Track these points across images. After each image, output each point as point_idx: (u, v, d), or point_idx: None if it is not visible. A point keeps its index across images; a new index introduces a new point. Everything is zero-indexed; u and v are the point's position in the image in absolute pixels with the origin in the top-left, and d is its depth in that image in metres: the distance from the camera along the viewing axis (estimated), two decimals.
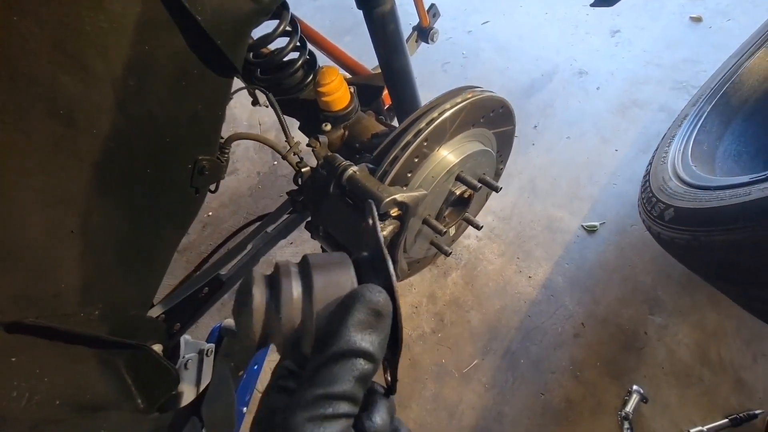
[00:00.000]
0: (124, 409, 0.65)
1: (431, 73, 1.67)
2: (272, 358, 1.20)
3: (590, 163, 1.33)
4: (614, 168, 1.31)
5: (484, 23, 1.80)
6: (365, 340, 0.25)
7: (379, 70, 0.92)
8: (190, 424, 0.63)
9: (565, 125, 1.43)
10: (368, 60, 1.18)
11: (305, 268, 0.28)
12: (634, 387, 0.96)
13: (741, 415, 0.90)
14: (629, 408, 0.94)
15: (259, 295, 0.27)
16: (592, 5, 0.92)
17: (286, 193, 0.83)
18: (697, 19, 1.57)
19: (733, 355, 0.97)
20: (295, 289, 0.27)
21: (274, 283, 0.28)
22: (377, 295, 0.26)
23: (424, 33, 1.16)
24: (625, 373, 0.99)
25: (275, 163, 1.57)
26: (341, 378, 0.23)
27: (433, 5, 1.17)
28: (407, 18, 1.00)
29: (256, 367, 1.16)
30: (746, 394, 0.93)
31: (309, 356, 0.26)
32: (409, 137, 0.60)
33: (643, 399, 0.95)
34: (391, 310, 0.26)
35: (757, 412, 0.90)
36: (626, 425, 0.93)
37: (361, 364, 0.24)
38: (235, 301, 0.28)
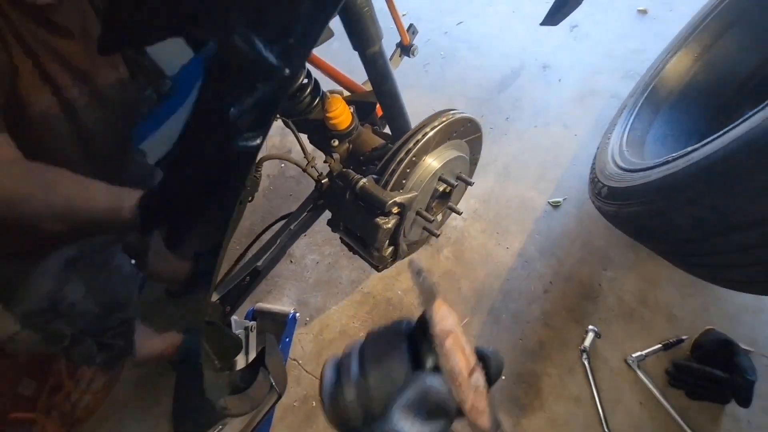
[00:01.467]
0: (209, 368, 0.89)
1: (415, 73, 1.87)
2: (299, 332, 1.45)
3: (554, 148, 1.56)
4: (574, 151, 1.54)
5: (458, 24, 1.99)
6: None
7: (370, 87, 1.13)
8: (261, 373, 0.86)
9: (532, 115, 1.65)
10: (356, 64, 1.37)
11: (363, 364, 0.35)
12: (591, 327, 1.22)
13: (671, 340, 1.17)
14: (587, 343, 1.20)
15: (350, 392, 0.34)
16: (541, 24, 1.13)
17: (313, 199, 1.05)
18: (643, 11, 1.77)
19: (666, 297, 1.24)
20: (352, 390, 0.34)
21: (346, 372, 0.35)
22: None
23: (405, 49, 1.36)
24: (584, 317, 1.25)
25: (282, 165, 1.78)
26: None
27: (411, 25, 1.36)
28: (390, 35, 1.21)
29: (288, 340, 1.40)
30: (676, 325, 1.20)
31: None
32: (401, 155, 0.82)
33: (598, 335, 1.21)
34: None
35: (683, 337, 1.17)
36: (585, 356, 1.19)
37: None
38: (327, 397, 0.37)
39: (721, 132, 0.71)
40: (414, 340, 0.36)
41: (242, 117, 0.41)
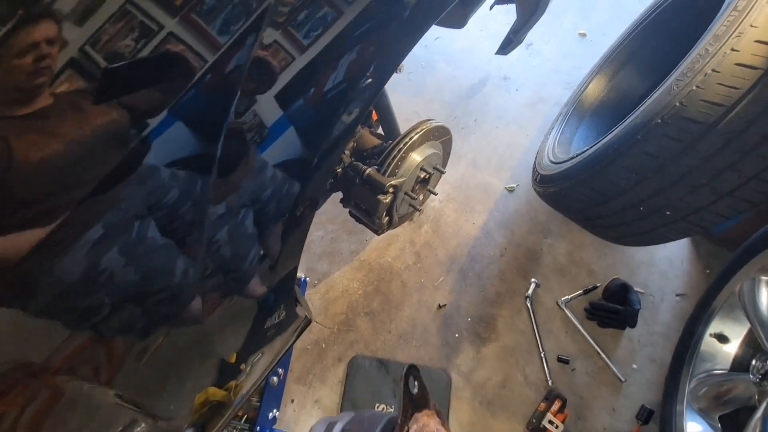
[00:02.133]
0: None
1: (401, 81, 2.22)
2: (309, 292, 1.80)
3: (511, 144, 1.96)
4: (526, 146, 1.94)
5: (436, 39, 2.35)
6: None
7: None
8: (297, 305, 1.23)
9: (495, 118, 2.04)
10: None
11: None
12: (533, 280, 1.64)
13: (589, 287, 1.60)
14: (530, 292, 1.62)
15: None
16: (495, 53, 1.51)
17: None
18: (583, 35, 2.19)
19: (588, 256, 1.67)
20: None
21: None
22: None
23: None
24: (529, 273, 1.67)
25: None
26: None
27: None
28: None
29: None
30: (593, 276, 1.63)
31: None
32: (395, 152, 1.19)
33: (538, 286, 1.63)
34: None
35: (597, 284, 1.60)
36: (528, 301, 1.61)
37: None
38: None
39: (598, 140, 1.12)
40: None
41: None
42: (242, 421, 1.45)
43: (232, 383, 0.99)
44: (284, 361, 1.60)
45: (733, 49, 0.85)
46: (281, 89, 0.70)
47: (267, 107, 0.70)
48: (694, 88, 0.88)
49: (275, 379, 1.56)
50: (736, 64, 0.84)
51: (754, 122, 0.83)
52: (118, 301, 0.66)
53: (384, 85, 0.79)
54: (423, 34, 0.80)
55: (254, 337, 1.08)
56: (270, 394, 1.52)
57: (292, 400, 1.49)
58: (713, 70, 0.86)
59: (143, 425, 0.71)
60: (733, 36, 0.85)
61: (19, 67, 0.43)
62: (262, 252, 0.85)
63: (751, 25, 0.84)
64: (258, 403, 1.48)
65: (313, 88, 0.75)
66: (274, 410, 1.45)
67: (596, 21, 2.27)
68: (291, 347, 1.51)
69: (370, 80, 0.79)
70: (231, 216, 0.77)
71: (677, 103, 0.90)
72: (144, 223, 0.67)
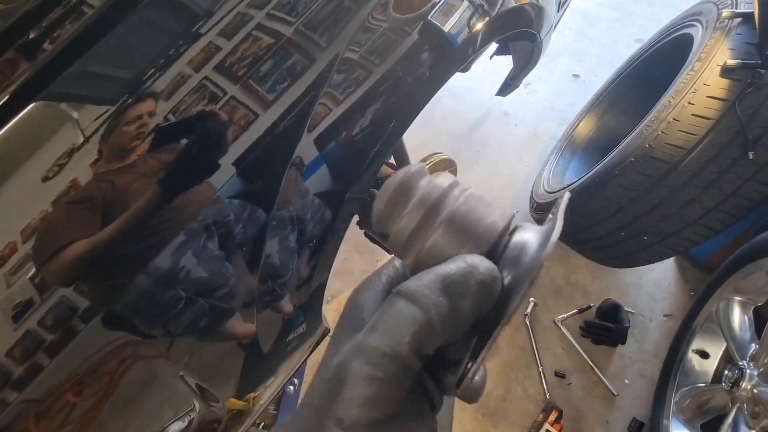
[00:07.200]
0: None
1: None
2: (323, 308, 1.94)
3: (511, 174, 2.14)
4: (525, 176, 2.12)
5: None
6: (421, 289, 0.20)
7: None
8: None
9: (496, 150, 2.23)
10: None
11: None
12: (532, 299, 1.77)
13: (583, 307, 1.72)
14: (528, 311, 1.75)
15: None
16: (496, 95, 1.70)
17: None
18: (577, 76, 2.41)
19: (582, 278, 1.80)
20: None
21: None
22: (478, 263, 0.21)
23: None
24: (528, 293, 1.79)
25: None
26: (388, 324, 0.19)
27: None
28: None
29: None
30: (588, 297, 1.76)
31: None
32: None
33: (536, 305, 1.76)
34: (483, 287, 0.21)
35: (591, 305, 1.73)
36: (527, 319, 1.73)
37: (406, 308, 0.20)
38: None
39: (585, 173, 1.29)
40: None
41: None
42: (260, 428, 1.56)
43: (251, 395, 1.07)
44: (300, 371, 1.73)
45: (689, 102, 1.03)
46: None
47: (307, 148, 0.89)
48: (660, 133, 1.05)
49: (291, 388, 1.68)
50: (693, 115, 1.01)
51: (710, 162, 1.00)
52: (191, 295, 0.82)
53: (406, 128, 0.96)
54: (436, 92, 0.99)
55: (276, 350, 1.20)
56: (286, 402, 1.64)
57: None
58: (675, 119, 1.04)
59: (198, 410, 0.84)
60: (689, 91, 1.03)
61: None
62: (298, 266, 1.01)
63: (704, 84, 1.02)
64: (275, 411, 1.60)
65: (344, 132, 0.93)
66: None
67: (588, 63, 2.49)
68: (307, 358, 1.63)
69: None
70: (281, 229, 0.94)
71: (647, 145, 1.07)
72: (209, 235, 0.83)
